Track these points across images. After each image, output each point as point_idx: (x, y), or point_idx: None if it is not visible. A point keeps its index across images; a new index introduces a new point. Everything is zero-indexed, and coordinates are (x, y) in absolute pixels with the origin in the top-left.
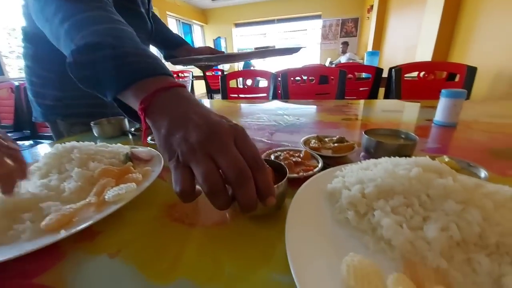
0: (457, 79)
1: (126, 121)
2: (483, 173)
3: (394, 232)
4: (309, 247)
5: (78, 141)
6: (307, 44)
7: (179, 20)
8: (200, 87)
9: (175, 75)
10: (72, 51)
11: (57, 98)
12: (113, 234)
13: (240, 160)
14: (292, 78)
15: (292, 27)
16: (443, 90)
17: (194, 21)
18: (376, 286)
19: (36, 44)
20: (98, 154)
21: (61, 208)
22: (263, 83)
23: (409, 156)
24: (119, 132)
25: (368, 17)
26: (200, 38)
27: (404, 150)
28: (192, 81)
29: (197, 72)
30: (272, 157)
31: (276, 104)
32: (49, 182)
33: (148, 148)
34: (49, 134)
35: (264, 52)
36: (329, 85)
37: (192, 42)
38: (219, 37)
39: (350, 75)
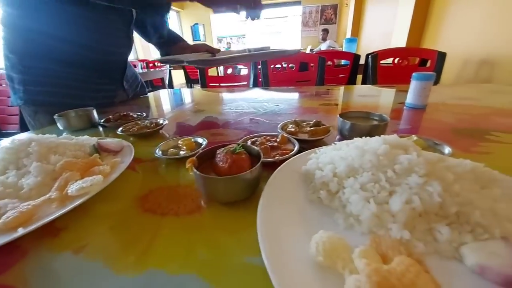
0: (428, 64)
1: (94, 112)
2: (447, 150)
3: (362, 208)
4: (280, 227)
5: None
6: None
7: None
8: (179, 77)
9: (151, 65)
10: None
11: (20, 81)
12: (78, 229)
13: None
14: (272, 66)
15: (272, 14)
16: (413, 74)
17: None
18: (343, 259)
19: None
20: (60, 147)
21: (19, 205)
22: (244, 71)
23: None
24: (87, 124)
25: (346, 4)
26: (176, 24)
27: (375, 130)
28: (170, 70)
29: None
30: (249, 142)
31: (257, 92)
32: (6, 179)
33: (117, 139)
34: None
35: (263, 54)
36: (309, 72)
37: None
38: (197, 24)
39: (329, 62)
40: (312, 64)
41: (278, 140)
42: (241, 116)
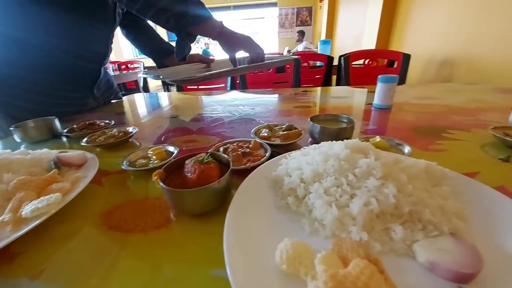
0: (395, 65)
1: (57, 121)
2: (406, 149)
3: (325, 212)
4: (247, 237)
5: None
6: (265, 32)
7: None
8: (154, 80)
9: (123, 66)
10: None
11: None
12: (36, 253)
13: None
14: None
15: (249, 15)
16: (379, 76)
17: None
18: (306, 266)
19: None
20: (14, 163)
21: None
22: None
23: (349, 138)
24: (48, 135)
25: (320, 7)
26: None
27: (343, 133)
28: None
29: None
30: (221, 149)
31: (233, 95)
32: None
33: (80, 151)
34: None
35: (260, 65)
36: (285, 73)
37: None
38: None
39: (304, 64)
40: (288, 66)
41: (250, 146)
42: (216, 121)
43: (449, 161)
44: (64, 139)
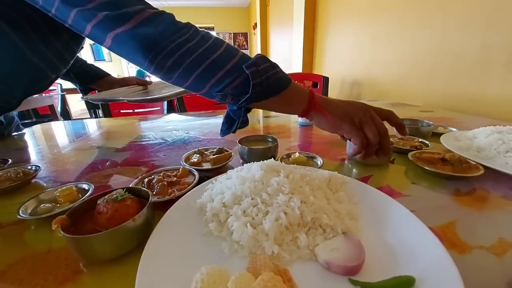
0: (318, 86)
1: None
2: (319, 161)
3: (242, 233)
4: (163, 274)
5: None
6: None
7: None
8: (77, 103)
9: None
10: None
11: None
12: None
13: (382, 124)
14: None
15: None
16: None
17: None
18: None
19: None
20: None
21: None
22: None
23: (274, 156)
24: None
25: (254, 33)
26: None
27: (269, 152)
28: (63, 95)
29: (69, 84)
30: (146, 180)
31: (169, 119)
32: None
33: None
34: None
35: (153, 98)
36: None
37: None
38: None
39: None
40: None
41: (178, 173)
42: (145, 149)
43: (351, 168)
44: None
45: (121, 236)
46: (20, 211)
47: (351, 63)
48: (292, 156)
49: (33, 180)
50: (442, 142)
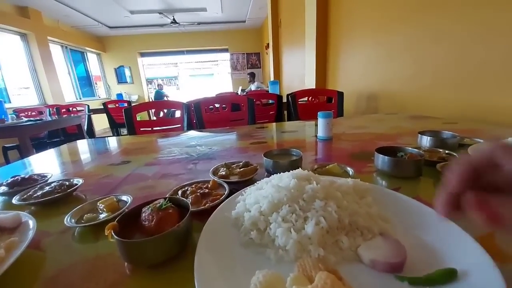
0: (333, 101)
1: None
2: (351, 172)
3: (286, 238)
4: (219, 278)
5: None
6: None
7: (65, 47)
8: (101, 122)
9: (63, 110)
10: None
11: None
12: None
13: None
14: (206, 107)
15: (203, 58)
16: (318, 113)
17: (88, 48)
18: None
19: None
20: None
21: None
22: (178, 113)
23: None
24: None
25: (267, 53)
26: (96, 66)
27: (294, 164)
28: (89, 115)
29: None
30: (180, 192)
31: (190, 135)
32: None
33: (13, 212)
34: None
35: None
36: (241, 111)
37: (87, 70)
38: (122, 66)
39: (258, 102)
40: (242, 104)
41: (209, 186)
42: (173, 163)
43: (379, 180)
44: None
45: (169, 241)
46: (67, 220)
47: (366, 76)
48: (327, 167)
49: (73, 193)
50: (470, 153)
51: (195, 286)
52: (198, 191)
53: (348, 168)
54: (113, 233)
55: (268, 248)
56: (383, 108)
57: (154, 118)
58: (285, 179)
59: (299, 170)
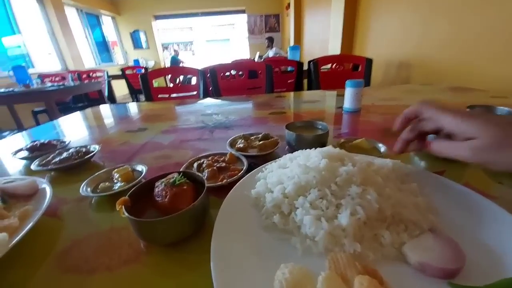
0: (360, 69)
1: None
2: (383, 149)
3: (316, 228)
4: (238, 263)
5: None
6: (236, 38)
7: (80, 10)
8: (121, 88)
9: (84, 76)
10: None
11: None
12: None
13: None
14: (222, 74)
15: (218, 21)
16: (346, 81)
17: (103, 11)
18: None
19: None
20: None
21: None
22: (194, 79)
23: (325, 143)
24: None
25: (287, 14)
26: (112, 30)
27: (319, 139)
28: (109, 81)
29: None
30: (195, 165)
31: (206, 103)
32: None
33: (30, 178)
34: None
35: None
36: (258, 79)
37: (103, 35)
38: (137, 30)
39: (276, 69)
40: (260, 71)
41: (226, 159)
42: (189, 132)
43: (418, 160)
44: (12, 163)
45: (183, 222)
46: (83, 189)
47: (398, 43)
48: (354, 142)
49: (91, 160)
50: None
51: (211, 267)
52: (215, 164)
53: (380, 144)
54: (124, 210)
55: (293, 236)
56: (416, 78)
57: (171, 84)
58: (314, 158)
59: (329, 148)
